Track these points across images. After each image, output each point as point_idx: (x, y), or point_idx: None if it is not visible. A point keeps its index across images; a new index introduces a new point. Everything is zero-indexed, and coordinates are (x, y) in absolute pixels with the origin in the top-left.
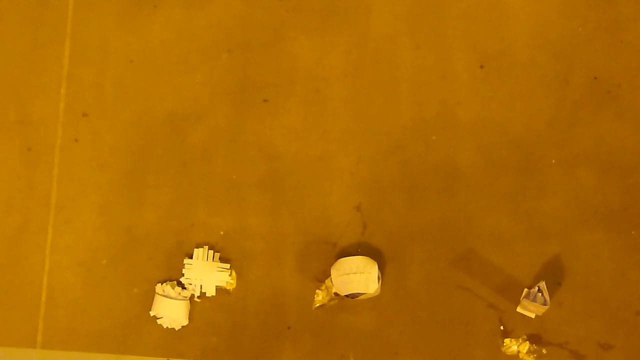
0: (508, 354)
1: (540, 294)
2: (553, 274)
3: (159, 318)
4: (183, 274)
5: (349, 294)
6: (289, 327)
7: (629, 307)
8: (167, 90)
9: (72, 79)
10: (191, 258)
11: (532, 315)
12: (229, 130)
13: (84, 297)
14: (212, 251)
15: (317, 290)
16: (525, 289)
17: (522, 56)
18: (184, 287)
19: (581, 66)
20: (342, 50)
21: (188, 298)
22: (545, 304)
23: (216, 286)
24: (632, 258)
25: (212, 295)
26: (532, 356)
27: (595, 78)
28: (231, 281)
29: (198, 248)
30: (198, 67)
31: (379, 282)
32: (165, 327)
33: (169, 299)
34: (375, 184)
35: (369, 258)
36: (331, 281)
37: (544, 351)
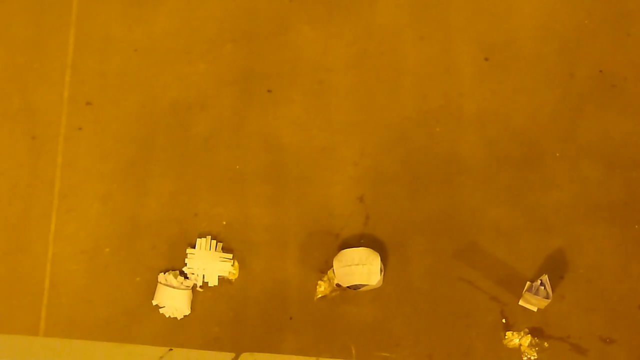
0: (510, 347)
1: (543, 287)
2: (556, 268)
3: (161, 307)
4: (186, 264)
5: (351, 286)
6: (290, 318)
7: (631, 301)
8: (171, 80)
9: (76, 68)
10: (194, 248)
11: (534, 309)
12: (232, 121)
13: (87, 285)
14: (215, 241)
15: (319, 281)
16: (528, 282)
17: (527, 49)
18: (186, 277)
19: (586, 59)
20: (346, 41)
21: (190, 287)
22: (547, 298)
23: (218, 276)
24: (635, 252)
25: (215, 285)
26: (533, 349)
27: (600, 71)
28: (233, 271)
29: (201, 238)
30: (202, 57)
31: (381, 273)
32: (167, 316)
33: (172, 288)
34: (378, 175)
35: (371, 250)
36: (333, 272)
37: (546, 344)
